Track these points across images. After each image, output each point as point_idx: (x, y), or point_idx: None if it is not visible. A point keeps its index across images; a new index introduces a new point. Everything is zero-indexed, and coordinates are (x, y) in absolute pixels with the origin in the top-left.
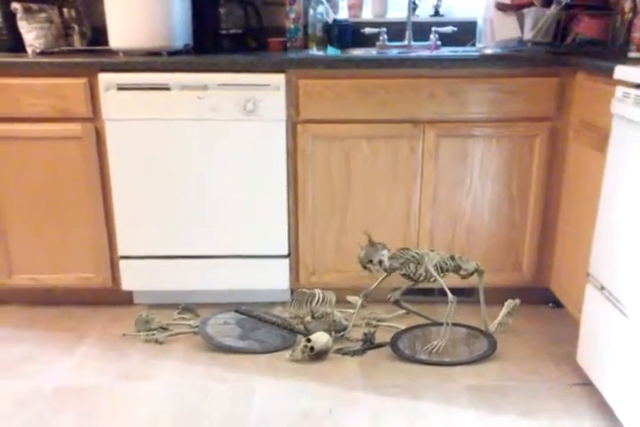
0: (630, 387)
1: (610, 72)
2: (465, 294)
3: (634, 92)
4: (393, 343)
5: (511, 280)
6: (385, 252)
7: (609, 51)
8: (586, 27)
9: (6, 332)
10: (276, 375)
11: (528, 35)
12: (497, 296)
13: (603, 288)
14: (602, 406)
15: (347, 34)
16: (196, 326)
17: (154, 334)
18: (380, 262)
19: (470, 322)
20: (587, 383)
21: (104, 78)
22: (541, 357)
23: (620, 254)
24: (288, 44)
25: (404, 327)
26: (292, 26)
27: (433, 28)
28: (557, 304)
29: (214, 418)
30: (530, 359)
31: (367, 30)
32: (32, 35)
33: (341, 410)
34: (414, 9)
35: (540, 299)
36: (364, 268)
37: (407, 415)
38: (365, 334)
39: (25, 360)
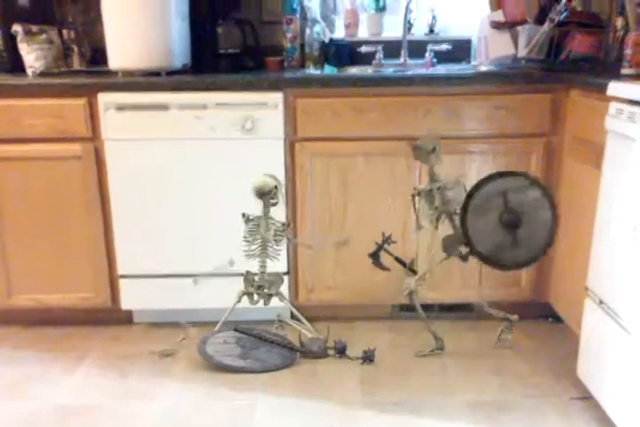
0: (631, 400)
1: (603, 88)
2: (463, 310)
3: (627, 108)
4: None
5: (510, 295)
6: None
7: (602, 67)
8: (579, 44)
9: (6, 352)
10: (276, 393)
11: (522, 52)
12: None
13: (601, 302)
14: (603, 419)
15: (343, 52)
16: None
17: (167, 350)
18: (434, 150)
19: (469, 337)
20: (588, 397)
21: (103, 98)
22: (542, 371)
23: (617, 268)
24: (285, 64)
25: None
26: (288, 45)
27: (428, 46)
28: (557, 319)
29: None
30: (530, 374)
31: (363, 49)
32: (32, 56)
33: None
34: (410, 27)
35: (539, 314)
36: (417, 158)
37: None
38: (365, 352)
39: (25, 381)
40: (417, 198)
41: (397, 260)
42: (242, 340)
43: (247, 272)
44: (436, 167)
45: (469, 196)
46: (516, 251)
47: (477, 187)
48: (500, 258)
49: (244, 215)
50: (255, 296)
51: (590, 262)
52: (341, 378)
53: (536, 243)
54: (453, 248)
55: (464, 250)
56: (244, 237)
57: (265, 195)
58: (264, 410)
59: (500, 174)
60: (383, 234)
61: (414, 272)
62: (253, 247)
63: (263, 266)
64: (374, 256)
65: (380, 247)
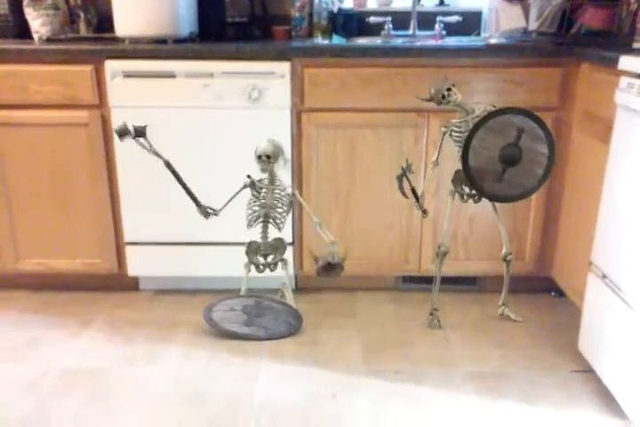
0: (631, 374)
1: (614, 62)
2: (467, 283)
3: (638, 82)
4: None
5: (514, 269)
6: (453, 88)
7: (614, 41)
8: (591, 17)
9: (14, 316)
10: (280, 360)
11: (533, 25)
12: (499, 285)
13: (604, 277)
14: (603, 392)
15: (352, 23)
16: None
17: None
18: (450, 89)
19: (472, 310)
20: (588, 371)
21: (110, 66)
22: (543, 344)
23: (621, 243)
24: (293, 33)
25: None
26: (297, 14)
27: (438, 18)
28: (559, 293)
29: (219, 401)
30: (532, 347)
31: (372, 19)
32: (38, 21)
33: (344, 395)
34: None
35: (542, 288)
36: (439, 104)
37: (409, 401)
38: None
39: (32, 344)
40: (445, 135)
41: (413, 191)
42: (247, 307)
43: (250, 242)
44: (463, 102)
45: (491, 114)
46: (494, 184)
47: (502, 111)
48: (481, 182)
49: (249, 177)
50: (261, 265)
51: (595, 237)
52: (344, 347)
53: (515, 189)
54: (459, 183)
55: (467, 190)
56: (250, 201)
57: (270, 158)
58: (267, 376)
59: (530, 115)
60: (407, 160)
61: (424, 212)
62: (256, 211)
63: (265, 231)
64: (400, 180)
65: (404, 172)
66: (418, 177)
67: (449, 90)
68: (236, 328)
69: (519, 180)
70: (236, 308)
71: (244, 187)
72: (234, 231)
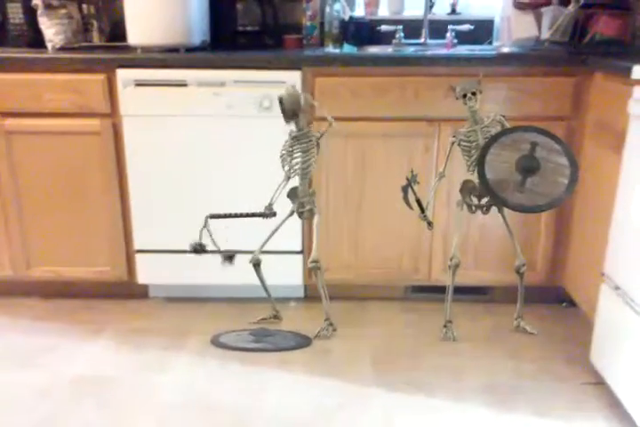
0: None
1: (627, 72)
2: (478, 293)
3: None
4: None
5: (525, 279)
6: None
7: (627, 50)
8: (604, 26)
9: (24, 323)
10: (289, 370)
11: (545, 34)
12: (511, 295)
13: (617, 288)
14: (615, 405)
15: (363, 31)
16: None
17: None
18: (474, 94)
19: (483, 321)
20: (600, 383)
21: (122, 74)
22: (555, 356)
23: (635, 254)
24: (304, 42)
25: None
26: (308, 23)
27: (450, 27)
28: (571, 304)
29: (228, 410)
30: (543, 358)
31: (383, 28)
32: (52, 30)
33: (354, 406)
34: (431, 7)
35: (553, 298)
36: (457, 98)
37: (420, 412)
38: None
39: (44, 351)
40: (454, 145)
41: (418, 202)
42: (254, 332)
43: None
44: (477, 112)
45: (502, 132)
46: (517, 195)
47: (512, 130)
48: (503, 193)
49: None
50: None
51: (608, 247)
52: (353, 358)
53: (541, 198)
54: (467, 193)
55: (475, 200)
56: (287, 151)
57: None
58: (276, 386)
59: (541, 131)
60: (412, 171)
61: (430, 224)
62: (296, 161)
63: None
64: (405, 191)
65: (409, 183)
66: (427, 187)
67: (474, 94)
68: (246, 345)
69: (543, 189)
70: (242, 334)
71: (291, 138)
72: (243, 239)
